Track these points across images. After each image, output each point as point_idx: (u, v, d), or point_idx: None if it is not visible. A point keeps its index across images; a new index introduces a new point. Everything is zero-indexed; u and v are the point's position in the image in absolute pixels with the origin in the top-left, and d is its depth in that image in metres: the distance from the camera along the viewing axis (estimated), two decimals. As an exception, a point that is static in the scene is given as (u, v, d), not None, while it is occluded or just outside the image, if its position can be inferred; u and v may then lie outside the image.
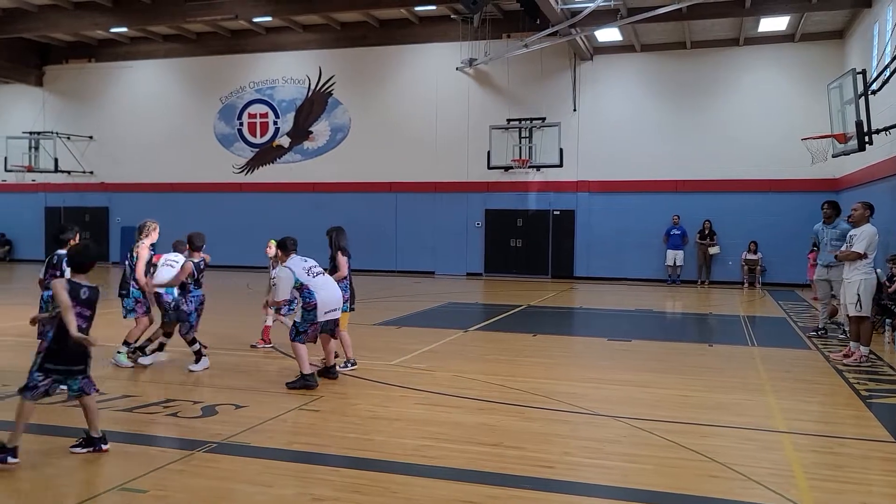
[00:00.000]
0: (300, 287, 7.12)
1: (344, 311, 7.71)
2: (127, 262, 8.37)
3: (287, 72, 23.34)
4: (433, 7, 19.98)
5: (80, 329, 4.80)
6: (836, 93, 12.75)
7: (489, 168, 20.73)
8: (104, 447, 4.99)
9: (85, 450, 4.98)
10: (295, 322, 7.23)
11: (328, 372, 7.41)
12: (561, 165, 20.10)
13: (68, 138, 24.96)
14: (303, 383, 6.91)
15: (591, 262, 20.97)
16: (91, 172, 25.13)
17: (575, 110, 20.88)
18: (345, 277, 7.94)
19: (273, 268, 8.99)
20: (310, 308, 7.07)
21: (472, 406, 6.40)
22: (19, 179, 25.51)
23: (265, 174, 23.74)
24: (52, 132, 24.79)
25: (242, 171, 23.96)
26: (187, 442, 5.22)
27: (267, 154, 23.73)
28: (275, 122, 23.62)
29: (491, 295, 17.45)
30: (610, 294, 17.21)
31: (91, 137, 25.24)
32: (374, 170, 22.50)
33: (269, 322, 9.34)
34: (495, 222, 21.80)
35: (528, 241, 21.55)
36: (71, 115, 25.35)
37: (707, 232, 19.68)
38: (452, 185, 21.86)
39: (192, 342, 7.88)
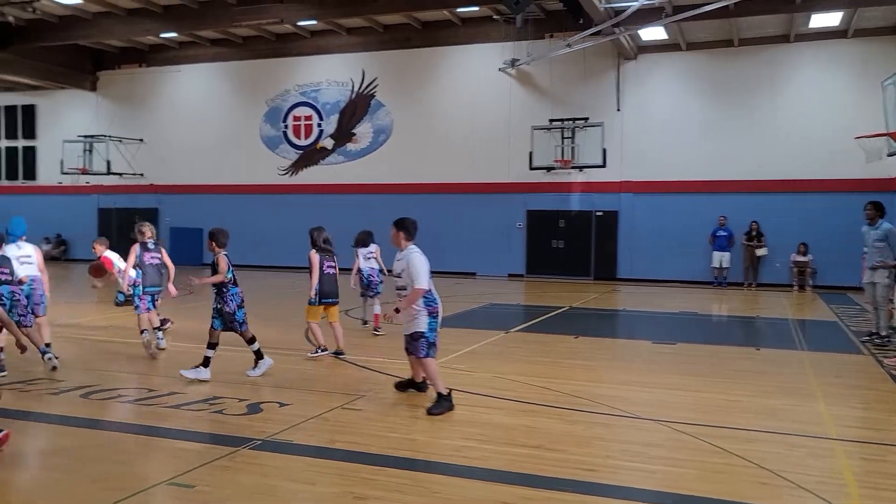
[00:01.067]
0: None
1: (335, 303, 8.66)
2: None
3: (331, 74, 23.61)
4: (476, 8, 19.99)
5: None
6: (891, 90, 12.39)
7: (531, 169, 20.65)
8: None
9: None
10: (424, 335, 6.32)
11: (418, 385, 6.81)
12: (604, 166, 19.89)
13: (120, 141, 25.65)
14: (447, 405, 6.15)
15: (634, 263, 20.71)
16: (141, 174, 25.78)
17: (619, 110, 20.64)
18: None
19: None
20: (434, 314, 6.40)
21: (513, 408, 6.39)
22: (74, 181, 26.31)
23: (309, 176, 24.01)
24: (105, 135, 25.52)
25: (287, 172, 24.27)
26: (233, 439, 5.32)
27: (311, 156, 24.02)
28: (319, 125, 23.91)
29: (533, 296, 17.38)
30: (654, 296, 16.97)
31: (141, 140, 25.89)
32: (415, 171, 22.62)
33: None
34: (537, 223, 21.71)
35: (571, 242, 21.39)
36: (122, 119, 26.06)
37: (754, 233, 19.25)
38: (494, 187, 21.84)
39: (250, 340, 7.63)
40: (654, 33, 19.29)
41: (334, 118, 23.60)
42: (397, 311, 6.35)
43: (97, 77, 26.37)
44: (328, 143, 23.73)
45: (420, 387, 6.76)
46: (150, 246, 8.87)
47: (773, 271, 19.39)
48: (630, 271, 20.70)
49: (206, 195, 24.79)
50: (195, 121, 25.15)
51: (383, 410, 6.23)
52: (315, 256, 8.65)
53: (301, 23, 21.59)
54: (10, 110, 28.32)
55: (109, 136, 25.46)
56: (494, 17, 20.34)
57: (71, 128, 26.32)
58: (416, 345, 6.31)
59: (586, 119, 20.37)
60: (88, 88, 26.27)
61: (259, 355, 7.63)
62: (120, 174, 25.48)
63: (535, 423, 5.90)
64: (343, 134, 23.56)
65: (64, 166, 25.44)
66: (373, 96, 23.07)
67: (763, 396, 6.95)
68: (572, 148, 20.44)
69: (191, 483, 4.42)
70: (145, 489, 4.37)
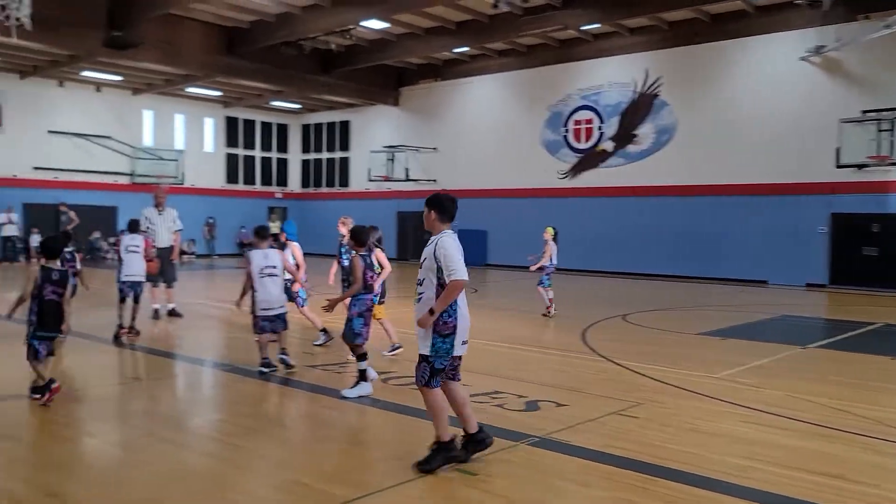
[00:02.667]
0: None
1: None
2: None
3: (613, 76, 23.44)
4: (774, -6, 18.46)
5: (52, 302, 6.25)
6: None
7: (838, 167, 18.50)
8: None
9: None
10: (428, 358, 4.78)
11: (479, 442, 4.95)
12: (932, 162, 17.14)
13: (416, 151, 28.14)
14: (446, 458, 4.77)
15: (972, 275, 17.51)
16: (434, 180, 27.97)
17: (954, 96, 17.63)
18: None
19: None
20: (448, 333, 4.77)
21: (808, 430, 5.84)
22: (378, 188, 29.48)
23: (588, 179, 24.11)
24: (404, 146, 28.21)
25: (566, 176, 24.65)
26: (513, 433, 5.59)
27: (590, 159, 24.08)
28: (599, 127, 23.87)
29: (836, 309, 15.56)
30: None
31: (435, 149, 28.10)
32: (700, 172, 21.52)
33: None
34: (844, 227, 19.36)
35: (887, 250, 18.73)
36: (419, 130, 28.54)
37: None
38: (790, 187, 19.94)
39: (360, 357, 6.86)
40: None
41: (615, 120, 23.41)
42: (431, 312, 4.74)
43: (399, 93, 29.17)
44: (608, 145, 23.60)
45: (477, 439, 4.94)
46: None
47: None
48: (965, 285, 17.56)
49: (490, 199, 26.11)
50: (482, 129, 26.64)
51: (660, 420, 6.09)
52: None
53: (584, 27, 21.75)
54: (331, 126, 32.60)
55: (408, 146, 28.07)
56: (797, 1, 18.56)
57: (377, 139, 29.53)
58: (418, 370, 4.83)
59: (909, 108, 17.70)
60: (392, 103, 29.19)
61: (363, 377, 6.84)
62: (416, 180, 27.91)
63: (833, 449, 5.34)
64: (624, 135, 23.27)
65: (370, 174, 28.62)
66: (656, 95, 22.47)
67: None
68: (891, 142, 17.90)
69: (474, 471, 4.75)
70: (435, 473, 4.79)
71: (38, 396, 6.21)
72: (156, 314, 11.54)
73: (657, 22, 21.44)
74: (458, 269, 4.66)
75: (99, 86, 27.03)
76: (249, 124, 32.45)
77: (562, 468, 4.87)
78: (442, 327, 4.72)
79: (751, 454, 5.17)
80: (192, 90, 27.89)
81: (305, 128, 33.74)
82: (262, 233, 7.96)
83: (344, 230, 8.86)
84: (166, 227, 12.01)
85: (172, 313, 11.76)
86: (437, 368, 4.75)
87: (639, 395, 6.92)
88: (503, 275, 22.89)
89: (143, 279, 10.07)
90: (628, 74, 23.01)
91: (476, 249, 26.39)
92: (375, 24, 21.29)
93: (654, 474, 4.74)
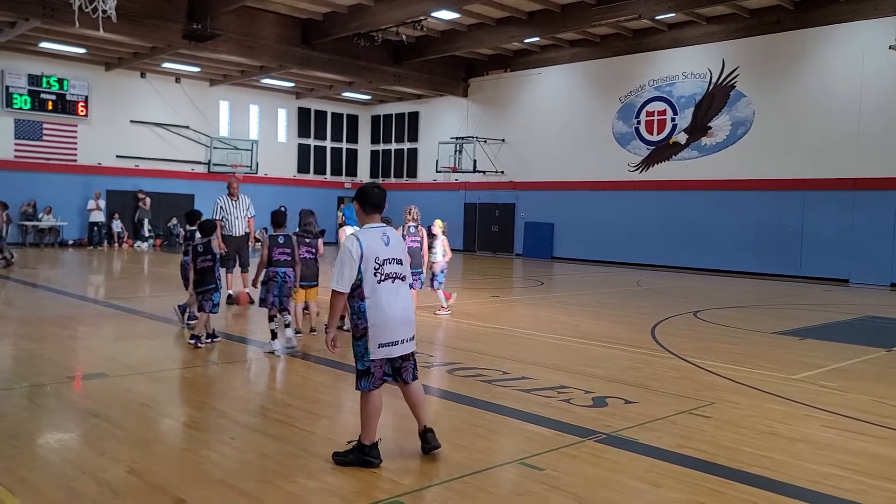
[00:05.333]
0: None
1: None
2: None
3: (687, 67, 22.78)
4: (863, -21, 17.55)
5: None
6: None
7: (928, 161, 17.52)
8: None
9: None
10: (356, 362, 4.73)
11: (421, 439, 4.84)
12: None
13: (485, 142, 28.02)
14: (360, 460, 4.58)
15: None
16: (502, 172, 27.83)
17: None
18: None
19: None
20: (360, 336, 4.63)
21: (896, 439, 5.54)
22: (446, 178, 29.51)
23: (660, 172, 23.54)
24: (472, 137, 28.13)
25: (637, 168, 24.12)
26: (579, 429, 5.49)
27: (662, 151, 23.51)
28: (672, 119, 23.26)
29: (925, 312, 14.74)
30: None
31: (503, 140, 27.93)
32: (778, 166, 20.72)
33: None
34: (934, 225, 18.34)
35: (982, 250, 17.66)
36: (487, 121, 28.41)
37: None
38: (877, 182, 19.00)
39: (269, 319, 8.28)
40: None
41: (689, 112, 22.80)
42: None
43: (468, 84, 29.11)
44: (681, 137, 23.00)
45: (425, 440, 4.81)
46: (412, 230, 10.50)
47: None
48: None
49: (558, 191, 25.81)
50: (552, 120, 26.32)
51: (734, 421, 5.87)
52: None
53: (659, 17, 21.18)
54: (399, 117, 32.81)
55: (476, 137, 27.98)
56: (886, -14, 17.61)
57: (445, 131, 29.55)
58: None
59: None
60: (461, 94, 29.14)
61: (273, 335, 8.25)
62: (483, 172, 27.81)
63: (925, 461, 5.04)
64: (698, 128, 22.63)
65: (438, 165, 28.67)
66: (733, 87, 21.76)
67: None
68: None
69: (540, 466, 4.68)
70: (501, 465, 4.75)
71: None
72: (230, 299, 11.84)
73: (736, 10, 20.69)
74: (336, 278, 4.52)
75: (178, 77, 27.94)
76: (321, 115, 32.97)
77: (631, 466, 4.75)
78: (354, 329, 4.63)
79: (835, 461, 4.93)
80: (266, 81, 28.51)
81: (375, 118, 34.06)
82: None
83: (409, 217, 10.52)
84: (241, 214, 12.30)
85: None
86: (360, 370, 4.59)
87: (711, 394, 6.71)
88: (570, 268, 22.60)
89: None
90: (703, 65, 22.33)
91: (542, 242, 26.15)
92: (446, 14, 21.26)
93: (729, 477, 4.57)
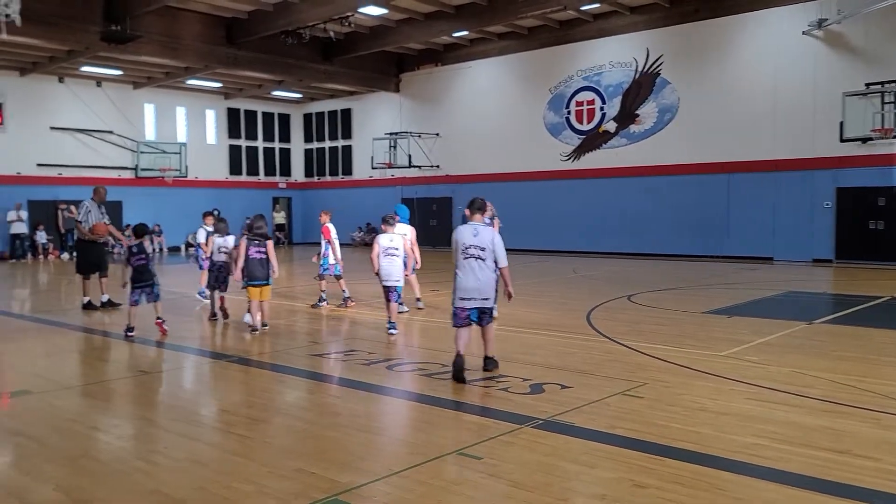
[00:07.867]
0: None
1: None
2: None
3: (613, 56, 23.27)
4: (775, -32, 18.24)
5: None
6: None
7: (842, 141, 18.38)
8: None
9: None
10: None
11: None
12: (938, 133, 16.97)
13: (419, 137, 28.03)
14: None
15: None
16: (437, 166, 27.89)
17: (958, 66, 17.43)
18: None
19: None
20: None
21: (815, 406, 5.81)
22: (382, 175, 29.42)
23: (591, 160, 24.00)
24: (406, 132, 28.09)
25: (569, 158, 24.53)
26: (517, 416, 5.58)
27: (593, 140, 23.97)
28: (601, 108, 23.73)
29: (843, 284, 15.49)
30: None
31: (437, 134, 27.99)
32: (704, 150, 21.40)
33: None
34: (849, 202, 19.26)
35: (893, 223, 18.63)
36: (421, 116, 28.43)
37: None
38: (794, 163, 19.82)
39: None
40: None
41: (617, 100, 23.29)
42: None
43: (400, 79, 29.05)
44: (611, 126, 23.48)
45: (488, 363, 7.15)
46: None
47: None
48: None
49: (494, 183, 26.02)
50: (484, 113, 26.51)
51: (666, 399, 6.07)
52: (243, 242, 9.47)
53: (584, 7, 21.58)
54: (332, 115, 32.52)
55: (410, 133, 27.96)
56: (797, -26, 18.36)
57: (379, 127, 29.43)
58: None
59: (914, 79, 17.54)
60: (393, 90, 29.06)
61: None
62: (419, 167, 27.82)
63: (841, 425, 5.31)
64: (626, 116, 23.14)
65: (374, 162, 28.54)
66: (658, 74, 22.33)
67: None
68: (895, 114, 17.74)
69: (478, 455, 4.75)
70: (440, 456, 4.78)
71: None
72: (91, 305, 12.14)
73: (657, 0, 21.23)
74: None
75: (99, 81, 27.01)
76: (251, 115, 32.39)
77: (567, 450, 4.86)
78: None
79: (758, 432, 5.15)
80: (192, 82, 27.83)
81: (307, 117, 33.67)
82: (389, 220, 9.73)
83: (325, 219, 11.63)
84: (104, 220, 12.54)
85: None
86: (452, 313, 7.06)
87: (644, 375, 6.91)
88: (508, 258, 22.78)
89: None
90: (629, 54, 22.85)
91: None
92: (373, 10, 21.15)
93: (660, 454, 4.72)
